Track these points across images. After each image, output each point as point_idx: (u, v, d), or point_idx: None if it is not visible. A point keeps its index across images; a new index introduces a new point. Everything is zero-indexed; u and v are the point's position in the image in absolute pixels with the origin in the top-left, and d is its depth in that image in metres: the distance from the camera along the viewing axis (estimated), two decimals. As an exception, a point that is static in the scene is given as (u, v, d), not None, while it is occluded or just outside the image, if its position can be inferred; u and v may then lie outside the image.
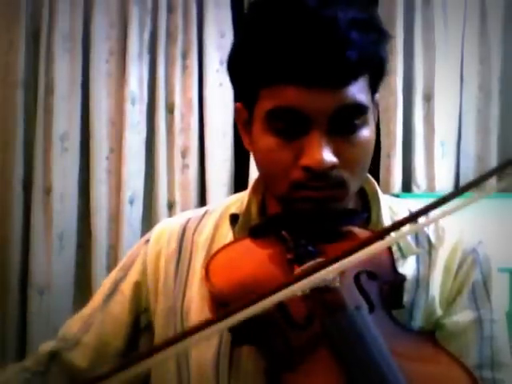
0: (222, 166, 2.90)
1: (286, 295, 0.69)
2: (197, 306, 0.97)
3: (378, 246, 0.69)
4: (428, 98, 2.93)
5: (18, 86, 2.83)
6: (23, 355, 2.67)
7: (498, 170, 0.70)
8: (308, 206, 0.89)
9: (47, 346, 1.06)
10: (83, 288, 2.85)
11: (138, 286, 1.04)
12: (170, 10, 2.90)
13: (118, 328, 1.04)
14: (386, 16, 2.86)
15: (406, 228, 0.78)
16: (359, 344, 0.79)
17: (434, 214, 0.73)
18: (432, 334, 0.87)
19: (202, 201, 2.91)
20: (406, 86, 2.93)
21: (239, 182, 2.88)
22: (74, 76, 2.87)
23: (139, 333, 1.04)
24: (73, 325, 1.07)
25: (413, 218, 0.76)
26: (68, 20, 2.86)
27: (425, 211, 0.69)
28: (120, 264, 1.09)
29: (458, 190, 0.69)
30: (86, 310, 1.08)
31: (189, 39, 2.90)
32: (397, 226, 0.72)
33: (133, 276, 1.05)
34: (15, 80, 2.84)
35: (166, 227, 1.08)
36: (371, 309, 0.84)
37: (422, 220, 0.85)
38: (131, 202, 2.87)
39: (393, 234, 0.77)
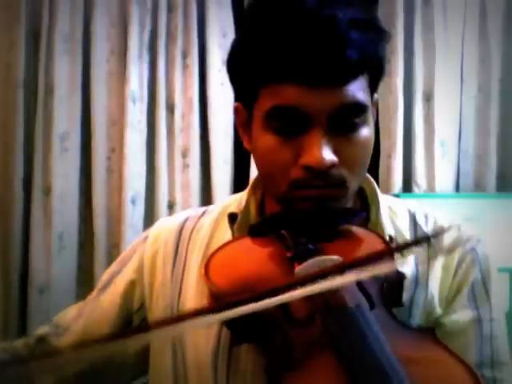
0: (223, 166, 2.90)
1: (286, 299, 0.69)
2: (193, 305, 0.97)
3: (386, 266, 0.70)
4: (428, 98, 2.93)
5: (19, 86, 2.83)
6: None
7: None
8: (308, 204, 0.89)
9: (41, 329, 1.08)
10: (85, 287, 2.84)
11: (132, 285, 1.04)
12: (170, 9, 2.90)
13: (104, 320, 1.04)
14: (386, 16, 2.86)
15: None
16: (360, 342, 0.79)
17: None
18: (432, 331, 0.87)
19: (204, 201, 2.91)
20: (406, 86, 2.93)
21: (240, 182, 2.87)
22: (74, 76, 2.87)
23: None
24: (69, 312, 1.09)
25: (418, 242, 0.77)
26: (68, 20, 2.86)
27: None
28: (119, 258, 1.10)
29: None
30: (83, 301, 1.10)
31: (189, 38, 2.90)
32: (405, 246, 0.72)
33: (128, 272, 1.05)
34: (16, 80, 2.83)
35: (165, 226, 1.08)
36: (371, 307, 0.84)
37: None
38: (133, 202, 2.87)
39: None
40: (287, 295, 0.70)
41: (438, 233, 0.73)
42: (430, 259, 0.98)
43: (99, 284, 1.09)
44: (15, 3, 2.83)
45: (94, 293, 1.09)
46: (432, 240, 0.82)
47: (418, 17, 2.91)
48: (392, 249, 0.75)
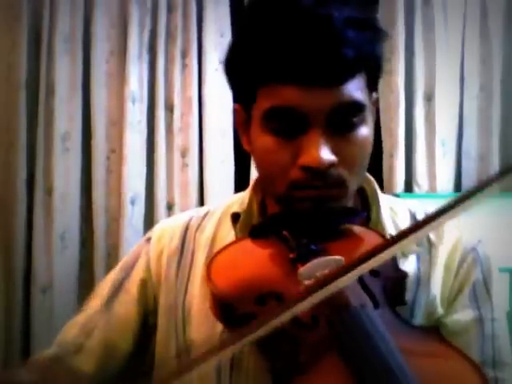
0: (221, 166, 2.90)
1: (306, 306, 0.69)
2: (198, 304, 0.97)
3: (389, 252, 0.70)
4: (429, 98, 2.93)
5: (21, 87, 2.83)
6: (27, 351, 2.69)
7: (500, 176, 0.69)
8: (307, 205, 0.89)
9: (46, 353, 1.01)
10: (87, 287, 2.84)
11: (144, 284, 1.02)
12: (170, 9, 2.90)
13: (125, 329, 1.01)
14: (387, 16, 2.86)
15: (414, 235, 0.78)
16: (366, 342, 0.78)
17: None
18: (437, 330, 0.87)
19: (203, 201, 2.90)
20: (407, 86, 2.92)
21: (240, 181, 2.87)
22: (74, 76, 2.87)
23: (150, 332, 1.02)
24: (70, 331, 1.03)
25: (420, 225, 0.76)
26: (68, 21, 2.86)
27: (432, 218, 0.70)
28: (119, 265, 1.07)
29: (464, 195, 0.68)
30: (84, 315, 1.04)
31: (188, 38, 2.90)
32: (406, 233, 0.72)
33: (137, 274, 1.03)
34: (17, 81, 2.83)
35: (168, 226, 1.08)
36: (375, 306, 0.84)
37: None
38: (132, 202, 2.87)
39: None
40: (297, 307, 0.69)
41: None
42: (431, 259, 0.98)
43: (100, 292, 1.04)
44: (16, 3, 2.83)
45: (97, 304, 1.03)
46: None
47: (418, 17, 2.90)
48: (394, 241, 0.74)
